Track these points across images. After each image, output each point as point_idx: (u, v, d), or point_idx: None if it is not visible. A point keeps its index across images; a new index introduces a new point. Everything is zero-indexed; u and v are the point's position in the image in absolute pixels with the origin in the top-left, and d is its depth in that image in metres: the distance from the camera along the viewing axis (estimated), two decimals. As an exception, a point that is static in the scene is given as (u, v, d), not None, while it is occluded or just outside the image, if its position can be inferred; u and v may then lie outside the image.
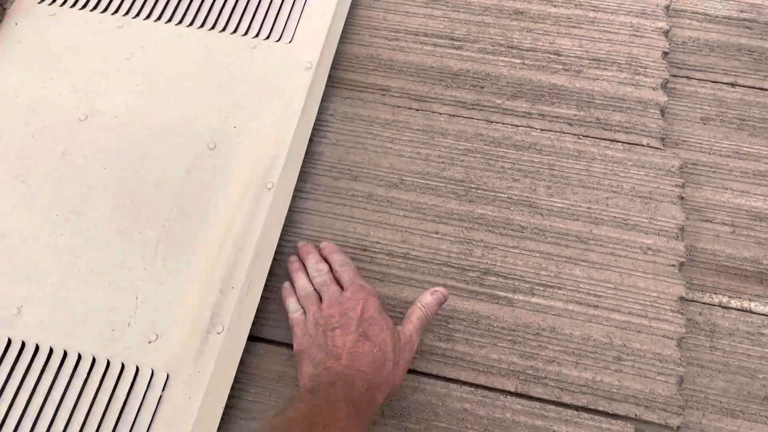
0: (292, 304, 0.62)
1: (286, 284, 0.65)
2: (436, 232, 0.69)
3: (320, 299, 0.61)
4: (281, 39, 0.76)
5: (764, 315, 0.68)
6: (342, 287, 0.61)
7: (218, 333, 0.59)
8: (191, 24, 0.77)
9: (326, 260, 0.64)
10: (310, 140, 0.73)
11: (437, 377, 0.62)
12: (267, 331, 0.64)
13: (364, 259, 0.68)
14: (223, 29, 0.77)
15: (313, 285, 0.62)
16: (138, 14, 0.78)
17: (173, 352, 0.58)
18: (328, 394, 0.49)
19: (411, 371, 0.63)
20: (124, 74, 0.73)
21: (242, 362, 0.61)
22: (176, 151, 0.68)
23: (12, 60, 0.74)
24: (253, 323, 0.62)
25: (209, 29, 0.77)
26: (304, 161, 0.71)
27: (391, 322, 0.58)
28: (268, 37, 0.76)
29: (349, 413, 0.47)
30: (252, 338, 0.63)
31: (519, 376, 0.62)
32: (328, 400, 0.48)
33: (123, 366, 0.57)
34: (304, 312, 0.61)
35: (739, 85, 0.82)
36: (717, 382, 0.64)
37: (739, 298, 0.69)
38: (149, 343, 0.59)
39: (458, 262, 0.67)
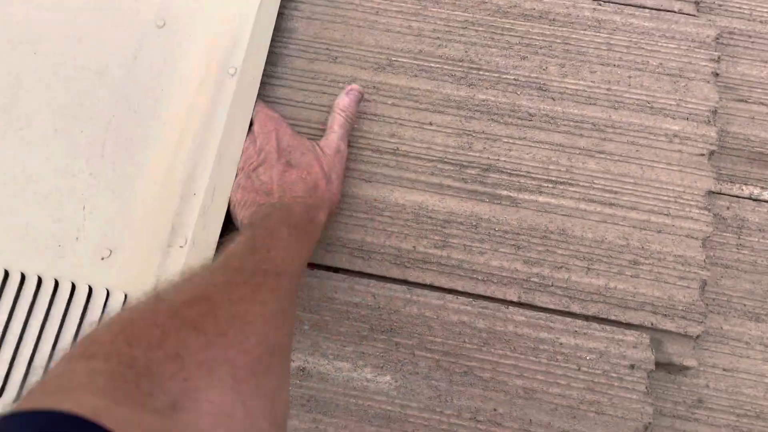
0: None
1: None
2: (431, 123, 0.60)
3: None
4: None
5: (800, 208, 0.60)
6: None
7: (181, 246, 0.52)
8: None
9: None
10: (280, 13, 0.61)
11: (431, 287, 0.56)
12: (239, 241, 0.57)
13: (347, 156, 0.58)
14: None
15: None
16: None
17: (130, 268, 0.51)
18: (267, 223, 0.47)
19: (401, 281, 0.56)
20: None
21: (212, 278, 0.54)
22: (118, 30, 0.57)
23: None
24: (221, 236, 0.54)
25: None
26: (273, 40, 0.60)
27: (310, 142, 0.55)
28: None
29: (290, 234, 0.45)
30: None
31: (523, 284, 0.55)
32: (267, 226, 0.46)
33: (73, 286, 0.50)
34: None
35: (791, -66, 0.68)
36: (742, 283, 0.58)
37: (773, 189, 0.61)
38: (102, 259, 0.51)
39: (456, 158, 0.59)
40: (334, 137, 0.56)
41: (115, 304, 0.50)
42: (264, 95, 0.60)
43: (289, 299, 0.41)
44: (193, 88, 0.56)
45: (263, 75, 0.58)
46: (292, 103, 0.61)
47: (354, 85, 0.59)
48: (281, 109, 0.60)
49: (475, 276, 0.56)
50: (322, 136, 0.58)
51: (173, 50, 0.56)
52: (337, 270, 0.57)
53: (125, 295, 0.50)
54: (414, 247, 0.56)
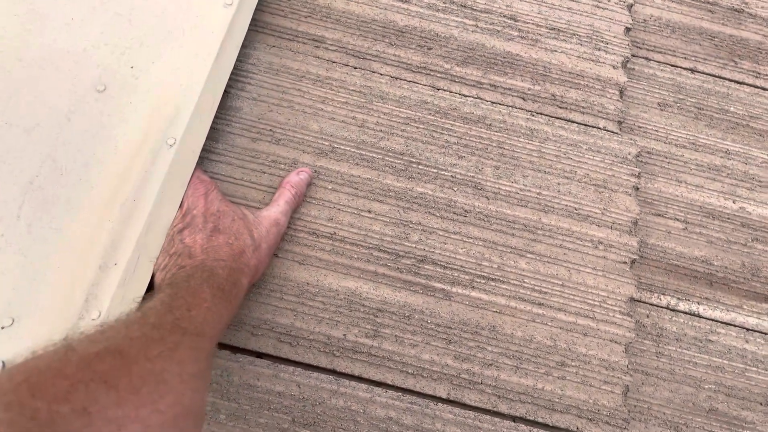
0: None
1: None
2: (369, 211, 0.60)
3: None
4: (198, -32, 0.63)
5: (712, 320, 0.63)
6: None
7: (93, 320, 0.48)
8: (86, -62, 0.63)
9: None
10: (226, 92, 0.62)
11: (360, 379, 0.54)
12: (159, 318, 0.53)
13: (283, 237, 0.57)
14: (126, -52, 0.63)
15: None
16: None
17: (34, 340, 0.46)
18: (188, 283, 0.44)
19: (329, 371, 0.54)
20: (-6, -9, 0.59)
21: (124, 356, 0.49)
22: (55, 90, 0.55)
23: None
24: (144, 299, 0.50)
25: (108, -54, 0.63)
26: (216, 116, 0.60)
27: (242, 210, 0.54)
28: (181, -36, 0.63)
29: (214, 294, 0.43)
30: (139, 326, 0.52)
31: (453, 380, 0.54)
32: (189, 287, 0.44)
33: (-35, 358, 0.45)
34: None
35: (699, 72, 0.77)
36: (662, 391, 0.59)
37: (688, 300, 0.64)
38: (2, 329, 0.46)
39: (392, 247, 0.59)
40: (276, 210, 0.55)
41: (10, 379, 0.45)
42: (202, 169, 0.59)
43: (207, 362, 0.39)
44: (128, 156, 0.54)
45: (203, 149, 0.57)
46: (231, 180, 0.59)
47: (306, 167, 0.60)
48: (219, 185, 0.59)
49: (405, 369, 0.54)
50: (258, 215, 0.57)
51: (111, 115, 0.55)
52: (261, 355, 0.54)
53: (22, 370, 0.45)
54: (344, 335, 0.54)
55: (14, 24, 0.57)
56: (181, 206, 0.53)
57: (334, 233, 0.58)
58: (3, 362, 0.45)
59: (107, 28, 0.58)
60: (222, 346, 0.53)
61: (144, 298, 0.49)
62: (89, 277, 0.49)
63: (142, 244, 0.51)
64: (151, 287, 0.50)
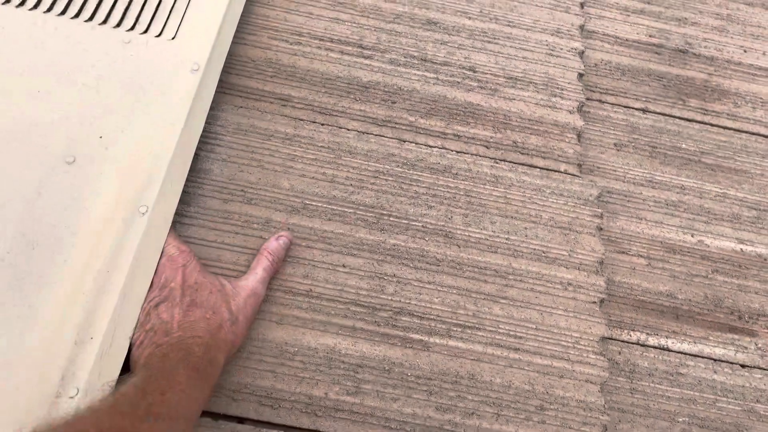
0: None
1: None
2: (344, 266, 0.61)
3: None
4: (162, 34, 0.64)
5: (681, 353, 0.65)
6: None
7: (71, 397, 0.47)
8: (49, 10, 0.63)
9: None
10: (196, 155, 0.62)
11: (344, 438, 0.54)
12: (137, 389, 0.53)
13: (258, 297, 0.58)
14: (90, 18, 0.64)
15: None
16: (-21, -7, 0.63)
17: (9, 424, 0.45)
18: (163, 364, 0.45)
19: (313, 432, 0.54)
20: (-43, 66, 0.59)
21: (103, 432, 0.49)
22: (23, 164, 0.55)
23: None
24: (118, 382, 0.50)
25: (72, 17, 0.63)
26: (187, 180, 0.60)
27: (219, 281, 0.54)
28: (146, 31, 0.64)
29: (190, 376, 0.44)
30: (117, 399, 0.51)
31: (436, 432, 0.55)
32: (164, 368, 0.44)
33: (-64, 447, 0.44)
34: None
35: (650, 111, 0.80)
36: (638, 428, 0.61)
37: (657, 335, 0.66)
38: (-25, 414, 0.45)
39: (368, 301, 0.59)
40: (253, 279, 0.55)
41: (-15, 466, 0.44)
42: (179, 237, 0.59)
43: None
44: (100, 226, 0.54)
45: (175, 214, 0.58)
46: (204, 242, 0.60)
47: (285, 232, 0.60)
48: (192, 248, 0.59)
49: (388, 425, 0.54)
50: (235, 276, 0.57)
51: (81, 187, 0.55)
52: (242, 420, 0.53)
53: (-2, 455, 0.44)
54: (326, 393, 0.55)
55: (-21, 99, 0.57)
56: (157, 278, 0.52)
57: (310, 290, 0.59)
58: (-23, 448, 0.44)
59: (74, 99, 0.59)
60: (203, 413, 0.53)
61: (118, 380, 0.48)
62: (64, 353, 0.48)
63: (117, 317, 0.50)
64: (127, 362, 0.50)
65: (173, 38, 0.64)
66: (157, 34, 0.64)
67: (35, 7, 0.63)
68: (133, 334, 0.50)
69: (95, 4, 0.64)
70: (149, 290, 0.52)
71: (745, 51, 0.89)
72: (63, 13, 0.63)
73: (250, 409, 0.53)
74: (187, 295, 0.51)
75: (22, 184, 0.54)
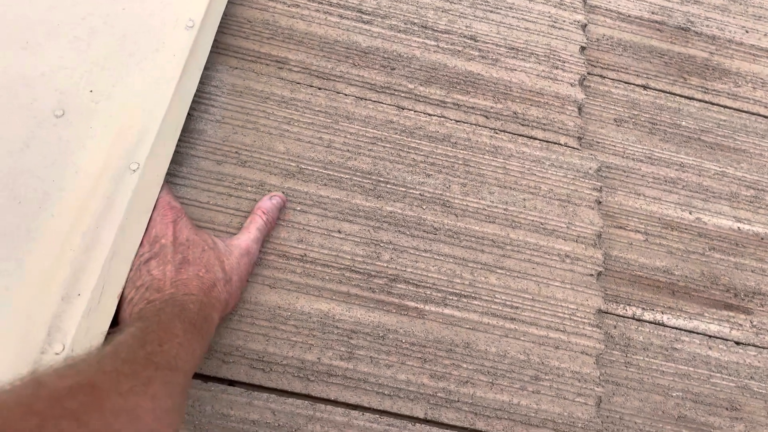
0: None
1: None
2: (339, 231, 0.59)
3: None
4: (157, -11, 0.62)
5: (676, 329, 0.65)
6: None
7: (56, 354, 0.46)
8: (39, -41, 0.61)
9: None
10: (189, 115, 0.61)
11: (336, 403, 0.53)
12: (125, 349, 0.51)
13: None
14: (82, -30, 0.61)
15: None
16: (-34, -61, 0.60)
17: (-7, 379, 0.44)
18: (159, 317, 0.43)
19: (304, 396, 0.53)
20: (-58, 13, 0.56)
21: (90, 390, 0.47)
22: (11, 117, 0.53)
23: None
24: (110, 334, 0.48)
25: (63, -32, 0.61)
26: (180, 140, 0.58)
27: (212, 238, 0.52)
28: (140, -14, 0.62)
29: (186, 329, 0.42)
30: (104, 359, 0.50)
31: (429, 399, 0.54)
32: (160, 321, 0.43)
33: None
34: None
35: (651, 88, 0.79)
36: (632, 401, 0.60)
37: (653, 310, 0.65)
38: (-41, 367, 0.44)
39: (363, 267, 0.58)
40: (246, 238, 0.54)
41: (-34, 421, 0.42)
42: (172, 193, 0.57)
43: (181, 397, 0.39)
44: (90, 182, 0.52)
45: (167, 174, 0.56)
46: (197, 203, 0.58)
47: (279, 193, 0.59)
48: (184, 209, 0.57)
49: (381, 391, 0.54)
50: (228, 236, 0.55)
51: (70, 141, 0.53)
52: (233, 383, 0.52)
53: (-20, 411, 0.43)
54: (318, 358, 0.54)
55: (-35, 48, 0.55)
56: (147, 233, 0.51)
57: (305, 255, 0.58)
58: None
59: (65, 52, 0.56)
60: (193, 375, 0.51)
61: (110, 332, 0.47)
62: (51, 309, 0.47)
63: (106, 274, 0.49)
64: (115, 320, 0.48)
65: (168, -7, 0.62)
66: (151, -12, 0.62)
67: (24, -44, 0.61)
68: (123, 291, 0.49)
69: (87, -45, 0.62)
70: (139, 246, 0.50)
71: (746, 31, 0.88)
72: (53, -37, 0.61)
73: (241, 372, 0.52)
74: (179, 252, 0.49)
75: (9, 137, 0.52)
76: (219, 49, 0.67)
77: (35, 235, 0.49)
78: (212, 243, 0.51)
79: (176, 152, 0.58)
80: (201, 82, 0.62)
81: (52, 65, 0.56)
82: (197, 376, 0.52)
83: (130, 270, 0.49)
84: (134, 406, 0.33)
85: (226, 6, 0.67)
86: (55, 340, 0.46)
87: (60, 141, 0.53)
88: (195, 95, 0.60)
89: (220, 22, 0.65)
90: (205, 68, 0.62)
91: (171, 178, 0.58)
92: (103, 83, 0.56)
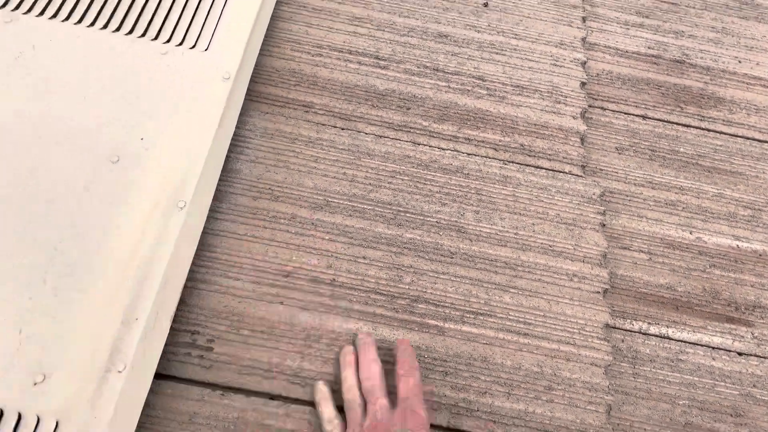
0: (326, 411, 0.55)
1: (321, 384, 0.58)
2: (364, 257, 0.65)
3: (364, 409, 0.54)
4: (196, 46, 0.70)
5: (681, 341, 0.69)
6: (397, 400, 0.54)
7: (119, 371, 0.52)
8: (93, 24, 0.69)
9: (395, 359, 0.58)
10: (227, 156, 0.68)
11: (366, 414, 0.58)
12: (175, 368, 0.57)
13: (286, 285, 0.62)
14: (130, 32, 0.69)
15: (360, 389, 0.55)
16: (30, 10, 0.69)
17: (64, 394, 0.50)
18: None
19: (339, 409, 0.58)
20: (12, 77, 0.64)
21: (147, 404, 0.53)
22: (73, 163, 0.60)
23: None
24: (160, 359, 0.54)
25: (114, 31, 0.69)
26: (219, 179, 0.65)
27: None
28: (181, 43, 0.70)
29: None
30: (158, 376, 0.56)
31: (451, 409, 0.59)
32: None
33: (1, 412, 0.48)
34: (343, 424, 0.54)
35: (650, 118, 0.85)
36: (641, 409, 0.64)
37: (658, 324, 0.70)
38: (34, 385, 0.50)
39: (387, 289, 0.64)
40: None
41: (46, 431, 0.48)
42: (208, 228, 0.64)
43: None
44: (143, 219, 0.59)
45: (209, 210, 0.63)
46: (235, 235, 0.65)
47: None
48: (225, 240, 0.64)
49: (406, 401, 0.59)
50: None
51: (125, 184, 0.60)
52: (273, 397, 0.58)
53: (56, 423, 0.49)
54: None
55: (34, 105, 0.62)
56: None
57: (334, 279, 0.64)
58: (37, 416, 0.49)
59: (118, 106, 0.64)
60: (235, 390, 0.57)
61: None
62: (112, 332, 0.53)
63: (160, 300, 0.55)
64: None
65: (206, 50, 0.70)
66: (192, 45, 0.70)
67: (79, 21, 0.69)
68: None
69: (134, 19, 0.70)
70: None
71: (739, 61, 0.94)
72: (105, 27, 0.69)
73: (281, 387, 0.58)
74: None
75: (72, 181, 0.59)
76: (251, 96, 0.74)
77: (97, 267, 0.56)
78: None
79: (216, 190, 0.65)
80: (236, 127, 0.69)
81: (107, 117, 0.63)
82: (239, 390, 0.57)
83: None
84: None
85: (257, 57, 0.74)
86: (117, 360, 0.52)
87: (116, 184, 0.60)
88: (232, 138, 0.67)
89: (252, 72, 0.73)
90: (240, 114, 0.70)
91: (212, 214, 0.65)
92: (152, 131, 0.63)
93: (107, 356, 0.52)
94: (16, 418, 0.48)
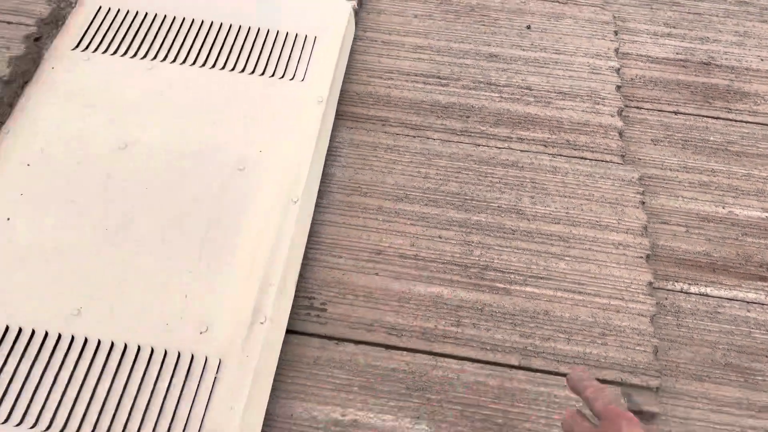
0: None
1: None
2: (440, 237, 0.80)
3: None
4: (295, 78, 0.87)
5: (719, 297, 0.80)
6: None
7: (261, 323, 0.67)
8: (214, 66, 0.88)
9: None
10: (324, 163, 0.84)
11: (451, 356, 0.72)
12: (299, 325, 0.73)
13: (379, 261, 0.77)
14: (243, 70, 0.88)
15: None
16: (165, 58, 0.88)
17: (223, 340, 0.66)
18: None
19: (428, 353, 0.72)
20: (157, 109, 0.83)
21: (282, 351, 0.68)
22: (209, 172, 0.78)
23: (51, 99, 0.83)
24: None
25: (230, 70, 0.87)
26: (320, 181, 0.82)
27: None
28: (283, 76, 0.87)
29: None
30: (288, 331, 0.71)
31: (521, 352, 0.72)
32: None
33: (179, 354, 0.64)
34: None
35: (681, 113, 0.97)
36: (685, 353, 0.76)
37: (697, 284, 0.81)
38: (200, 333, 0.66)
39: (461, 261, 0.78)
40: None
41: (212, 367, 0.64)
42: (314, 219, 0.80)
43: None
44: (266, 212, 0.75)
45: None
46: (335, 224, 0.80)
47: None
48: (326, 228, 0.79)
49: (484, 347, 0.72)
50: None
51: (251, 185, 0.77)
52: (376, 345, 0.72)
53: (219, 360, 0.64)
54: (435, 326, 0.73)
55: (175, 130, 0.81)
56: None
57: (417, 254, 0.78)
58: (205, 356, 0.64)
59: (240, 127, 0.82)
60: (346, 340, 0.72)
61: None
62: (254, 295, 0.69)
63: (285, 269, 0.71)
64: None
65: (302, 80, 0.87)
66: (291, 78, 0.87)
67: (203, 65, 0.88)
68: None
69: (245, 60, 0.88)
70: None
71: (761, 60, 1.05)
72: (223, 67, 0.87)
73: (381, 337, 0.72)
74: None
75: (210, 185, 0.76)
76: (339, 116, 0.91)
77: (236, 247, 0.72)
78: None
79: (318, 190, 0.81)
80: (329, 140, 0.86)
81: (232, 136, 0.81)
82: (349, 340, 0.72)
83: None
84: None
85: (342, 84, 0.91)
86: (259, 314, 0.68)
87: (244, 186, 0.77)
88: (327, 149, 0.84)
89: (339, 96, 0.89)
90: (332, 129, 0.86)
91: (316, 207, 0.80)
92: (267, 144, 0.80)
93: (251, 313, 0.68)
94: (189, 358, 0.64)
